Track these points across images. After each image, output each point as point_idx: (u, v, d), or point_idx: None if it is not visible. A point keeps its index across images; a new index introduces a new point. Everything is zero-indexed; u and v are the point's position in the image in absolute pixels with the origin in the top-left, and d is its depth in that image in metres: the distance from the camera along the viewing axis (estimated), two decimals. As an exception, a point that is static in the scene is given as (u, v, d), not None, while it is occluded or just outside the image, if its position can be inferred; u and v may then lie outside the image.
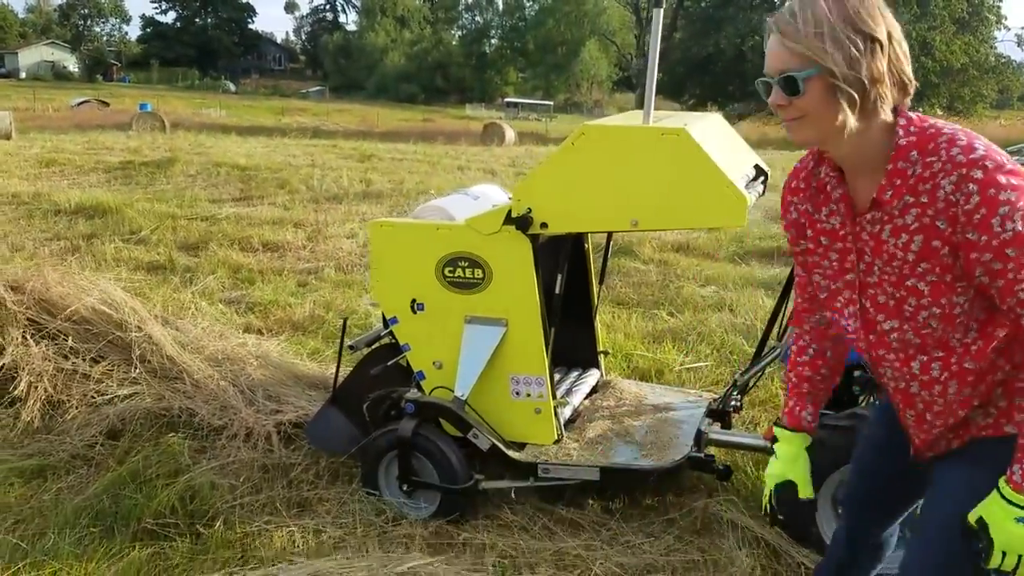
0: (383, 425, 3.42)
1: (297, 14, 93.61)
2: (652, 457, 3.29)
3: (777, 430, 2.07)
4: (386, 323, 3.57)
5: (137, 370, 4.08)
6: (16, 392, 3.94)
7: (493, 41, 69.09)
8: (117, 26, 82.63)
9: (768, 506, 2.10)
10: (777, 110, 1.63)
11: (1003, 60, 45.04)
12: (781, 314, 3.48)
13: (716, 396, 3.80)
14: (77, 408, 3.90)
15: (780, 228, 8.12)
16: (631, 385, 4.02)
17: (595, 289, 3.99)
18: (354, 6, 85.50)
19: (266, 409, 3.97)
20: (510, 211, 3.11)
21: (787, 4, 1.56)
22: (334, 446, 3.69)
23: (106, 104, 41.41)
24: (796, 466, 2.03)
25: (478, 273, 3.24)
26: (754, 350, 3.74)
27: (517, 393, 3.34)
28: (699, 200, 2.84)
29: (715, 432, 3.54)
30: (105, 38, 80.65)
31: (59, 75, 67.79)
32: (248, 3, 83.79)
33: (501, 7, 68.81)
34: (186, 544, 3.03)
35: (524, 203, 3.08)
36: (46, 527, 3.12)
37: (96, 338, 4.17)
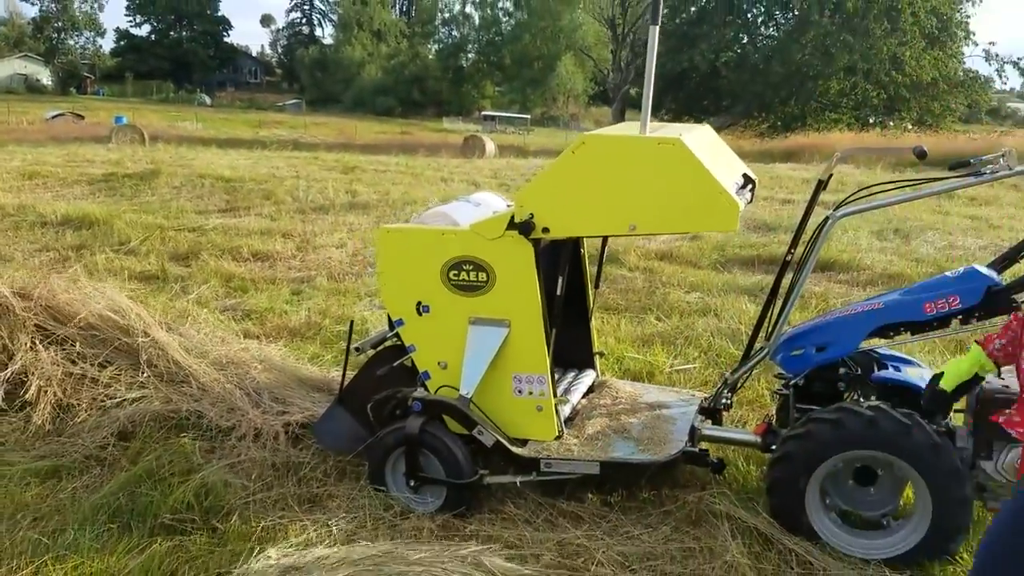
0: (389, 424, 3.55)
1: (273, 27, 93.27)
2: (649, 452, 3.45)
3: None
4: (392, 325, 3.70)
5: (144, 374, 4.18)
6: (27, 396, 4.03)
7: (470, 55, 69.35)
8: (91, 39, 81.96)
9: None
10: None
11: (971, 75, 46.01)
12: (768, 316, 3.65)
13: (707, 395, 3.96)
14: (87, 411, 3.99)
15: (760, 237, 8.31)
16: (626, 385, 4.19)
17: (591, 293, 4.15)
18: (330, 20, 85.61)
19: (272, 411, 4.08)
20: (513, 216, 3.27)
21: None
22: (342, 445, 3.81)
23: (81, 117, 41.08)
24: (954, 365, 2.86)
25: (482, 276, 3.39)
26: (741, 352, 3.91)
27: (520, 391, 3.49)
28: (694, 206, 3.02)
29: (707, 428, 3.71)
30: (79, 51, 79.94)
31: (32, 88, 67.11)
32: (224, 16, 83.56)
33: (478, 22, 69.21)
34: (204, 537, 3.15)
35: (527, 209, 3.24)
36: (65, 524, 3.22)
37: (103, 343, 4.27)
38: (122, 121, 29.93)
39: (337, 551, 2.60)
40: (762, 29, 50.23)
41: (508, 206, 3.70)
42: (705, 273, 7.73)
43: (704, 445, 3.65)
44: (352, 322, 3.96)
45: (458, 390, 3.43)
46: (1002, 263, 3.33)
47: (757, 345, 3.71)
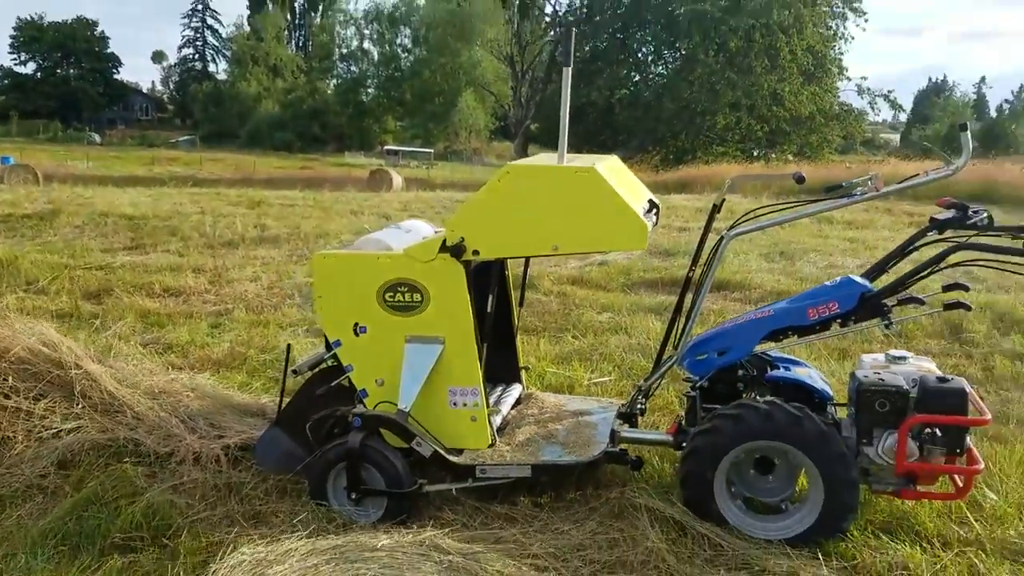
0: (329, 441, 3.74)
1: (165, 63, 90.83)
2: (575, 454, 3.77)
3: None
4: (328, 346, 3.91)
5: (80, 405, 4.23)
6: (-41, 431, 4.02)
7: (370, 90, 69.34)
8: (-28, 78, 78.10)
9: None
10: None
11: (846, 108, 49.18)
12: (675, 329, 4.03)
13: (624, 402, 4.32)
14: (23, 443, 4.02)
15: (661, 261, 8.84)
16: (550, 396, 4.51)
17: (515, 312, 4.47)
18: (224, 55, 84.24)
19: (209, 435, 4.20)
20: (445, 240, 3.56)
21: None
22: (282, 465, 3.96)
23: (-38, 157, 39.04)
24: None
25: (417, 297, 3.66)
26: (651, 364, 4.29)
27: (455, 403, 3.75)
28: (608, 227, 3.39)
29: (626, 431, 4.06)
30: (-41, 90, 76.02)
31: (-90, 130, 63.25)
32: (113, 53, 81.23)
33: (376, 58, 69.35)
34: (156, 553, 3.26)
35: (457, 233, 3.54)
36: (15, 549, 3.28)
37: (35, 377, 4.30)
38: (9, 161, 28.67)
39: (304, 544, 2.79)
40: (652, 67, 52.44)
41: (436, 232, 3.99)
42: (614, 295, 8.21)
43: (623, 446, 3.98)
44: (289, 346, 4.14)
45: (396, 405, 3.67)
46: (873, 273, 3.82)
47: (666, 355, 4.09)
